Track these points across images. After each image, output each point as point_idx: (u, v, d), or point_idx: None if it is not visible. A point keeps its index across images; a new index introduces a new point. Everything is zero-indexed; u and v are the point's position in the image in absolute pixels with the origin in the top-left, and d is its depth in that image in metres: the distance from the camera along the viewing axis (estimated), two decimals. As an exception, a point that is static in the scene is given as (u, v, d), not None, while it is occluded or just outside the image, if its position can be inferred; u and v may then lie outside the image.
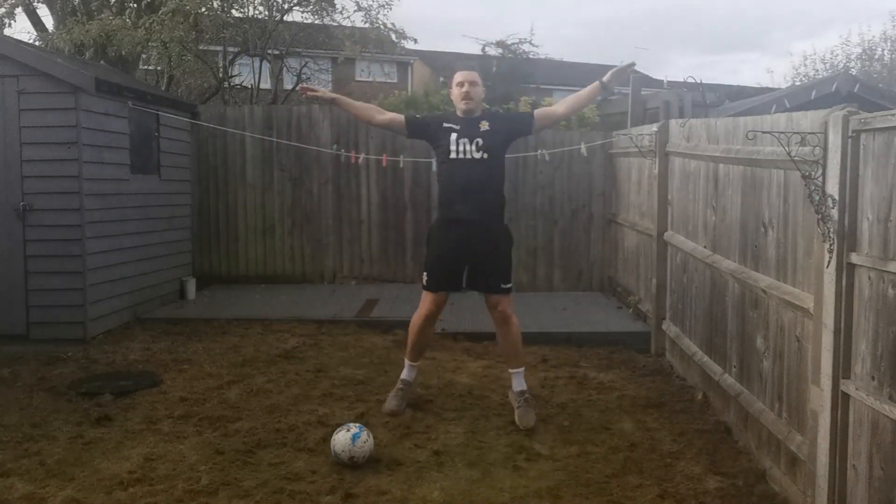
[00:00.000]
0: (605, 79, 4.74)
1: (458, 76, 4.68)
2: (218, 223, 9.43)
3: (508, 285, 4.64)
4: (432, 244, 4.73)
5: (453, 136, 4.59)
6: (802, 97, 10.40)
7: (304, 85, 4.84)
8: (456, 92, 4.67)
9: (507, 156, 4.82)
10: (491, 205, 4.62)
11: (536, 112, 4.82)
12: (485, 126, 4.61)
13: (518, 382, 4.74)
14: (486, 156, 4.56)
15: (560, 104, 4.87)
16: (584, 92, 4.78)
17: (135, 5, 12.66)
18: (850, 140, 3.08)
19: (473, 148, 4.54)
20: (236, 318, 7.47)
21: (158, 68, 13.46)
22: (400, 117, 4.86)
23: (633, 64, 4.63)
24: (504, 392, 5.24)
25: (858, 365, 3.06)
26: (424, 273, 4.74)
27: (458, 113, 4.72)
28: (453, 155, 4.57)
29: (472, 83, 4.63)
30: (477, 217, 4.56)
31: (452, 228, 4.61)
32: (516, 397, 4.71)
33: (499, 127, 4.65)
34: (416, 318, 4.74)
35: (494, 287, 4.60)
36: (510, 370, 4.78)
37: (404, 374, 4.87)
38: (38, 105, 6.58)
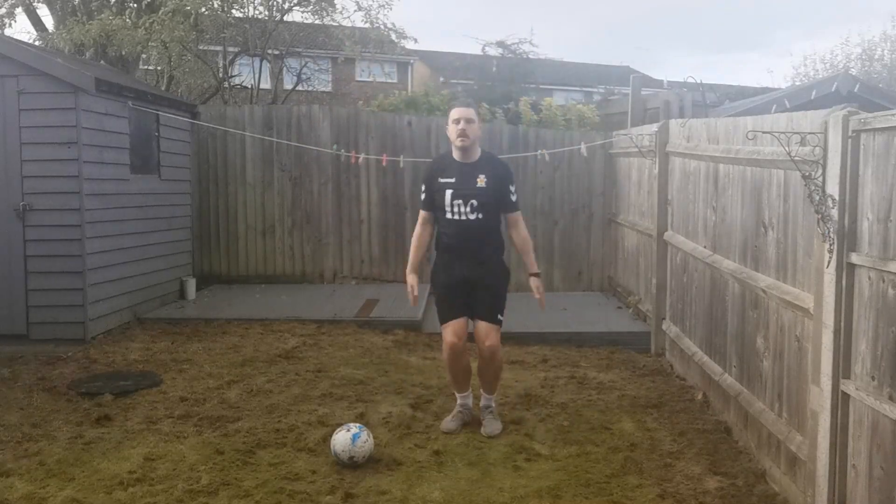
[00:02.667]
0: (533, 279, 4.71)
1: (455, 112, 4.63)
2: (218, 223, 9.43)
3: (501, 318, 4.69)
4: (436, 285, 4.78)
5: (448, 194, 4.58)
6: (802, 97, 10.40)
7: (413, 297, 4.79)
8: (452, 129, 4.61)
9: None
10: (488, 255, 4.67)
11: (512, 216, 4.72)
12: (481, 182, 4.57)
13: (486, 400, 4.77)
14: (480, 216, 4.57)
15: (519, 234, 4.75)
16: (528, 258, 4.75)
17: (135, 5, 12.66)
18: (850, 140, 3.09)
19: (468, 210, 4.55)
20: (236, 318, 7.47)
21: (158, 68, 13.46)
22: (425, 213, 4.81)
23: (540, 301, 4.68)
24: (504, 392, 5.25)
25: (858, 365, 3.06)
26: (437, 311, 4.79)
27: (454, 153, 4.67)
28: (449, 216, 4.60)
29: (469, 120, 4.57)
30: (474, 269, 4.63)
31: (452, 274, 4.68)
32: (483, 410, 4.75)
33: (493, 184, 4.59)
34: (444, 355, 4.74)
35: (490, 317, 4.63)
36: (484, 394, 4.78)
37: (460, 400, 4.82)
38: (38, 105, 6.58)
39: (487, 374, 4.70)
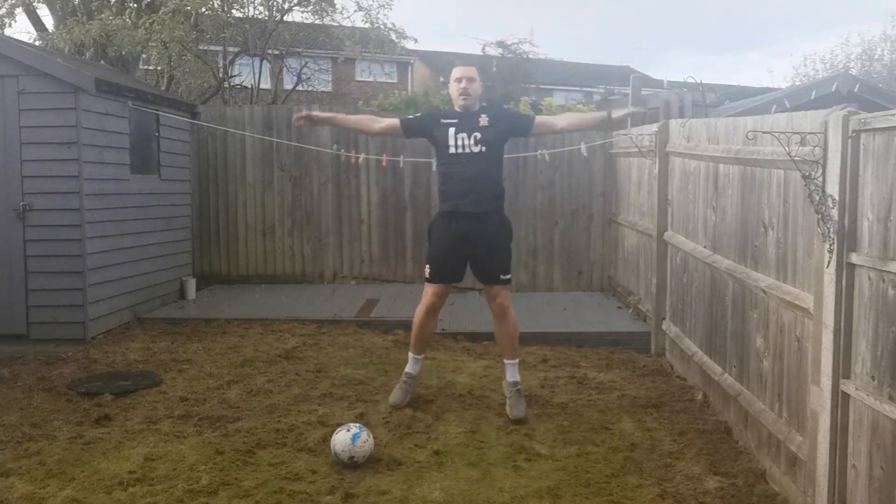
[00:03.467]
0: (613, 115, 4.86)
1: (457, 72, 4.76)
2: (218, 223, 9.43)
3: (508, 276, 4.73)
4: (434, 237, 4.81)
5: (451, 130, 4.67)
6: (802, 97, 10.42)
7: (299, 113, 4.89)
8: (454, 87, 4.74)
9: (506, 156, 4.87)
10: (490, 197, 4.70)
11: (538, 118, 4.89)
12: (484, 121, 4.69)
13: (511, 373, 4.83)
14: (484, 149, 4.63)
15: (562, 118, 5.00)
16: (588, 116, 4.97)
17: (135, 5, 12.67)
18: (850, 140, 3.09)
19: (472, 142, 4.61)
20: (236, 318, 7.47)
21: (158, 68, 13.46)
22: (395, 121, 4.92)
23: (640, 111, 4.74)
24: (504, 392, 5.25)
25: (858, 365, 3.06)
26: (427, 266, 4.82)
27: (457, 108, 4.79)
28: (452, 150, 4.65)
29: (471, 79, 4.70)
30: (476, 210, 4.64)
31: (453, 221, 4.68)
32: (509, 387, 4.82)
33: (497, 122, 4.73)
34: (419, 311, 4.82)
35: (494, 278, 4.68)
36: (505, 360, 4.88)
37: (409, 368, 4.96)
38: (38, 105, 6.58)
39: (504, 334, 4.76)
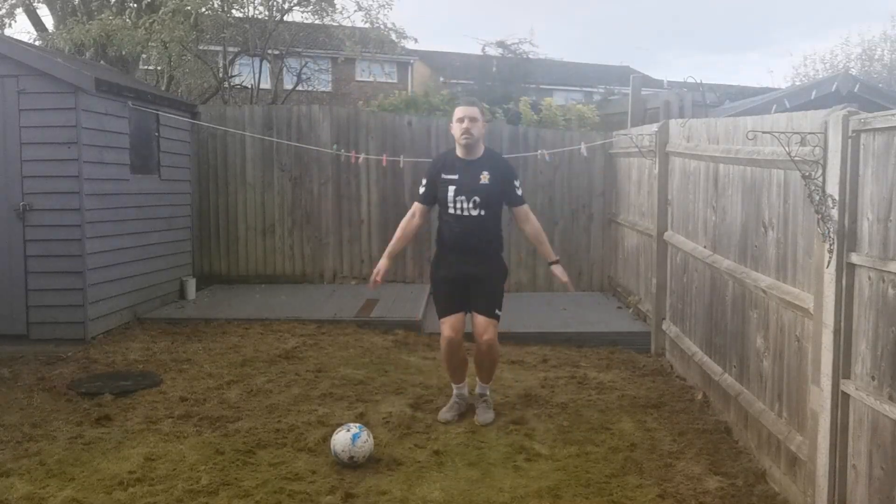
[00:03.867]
0: (552, 267, 4.81)
1: (459, 111, 4.69)
2: (218, 223, 9.43)
3: (499, 313, 4.77)
4: (435, 279, 4.87)
5: (451, 190, 4.64)
6: (802, 97, 10.41)
7: (374, 279, 4.81)
8: (456, 127, 4.68)
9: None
10: (487, 252, 4.75)
11: (523, 207, 4.80)
12: (484, 178, 4.64)
13: (481, 388, 4.90)
14: (483, 213, 4.64)
15: (532, 225, 4.82)
16: (545, 244, 4.86)
17: (135, 5, 12.67)
18: (850, 140, 3.09)
19: (471, 206, 4.62)
20: (236, 318, 7.47)
21: (158, 68, 13.45)
22: (418, 206, 4.86)
23: (570, 290, 4.94)
24: (504, 392, 5.26)
25: (858, 365, 3.06)
26: (435, 306, 4.88)
27: (458, 150, 4.73)
28: (451, 210, 4.67)
29: (472, 119, 4.63)
30: (474, 265, 4.70)
31: (451, 268, 4.74)
32: (477, 398, 4.88)
33: (496, 178, 4.67)
34: (442, 349, 4.85)
35: (488, 311, 4.71)
36: (480, 383, 4.91)
37: (456, 391, 4.95)
38: (38, 105, 6.58)
39: (484, 366, 4.83)
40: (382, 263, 4.82)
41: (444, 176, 4.69)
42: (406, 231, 4.88)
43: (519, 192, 4.75)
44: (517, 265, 8.91)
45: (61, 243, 6.65)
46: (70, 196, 6.64)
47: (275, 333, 6.94)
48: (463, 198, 4.61)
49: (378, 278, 4.79)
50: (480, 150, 4.73)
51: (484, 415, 4.76)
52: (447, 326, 4.71)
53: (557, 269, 4.80)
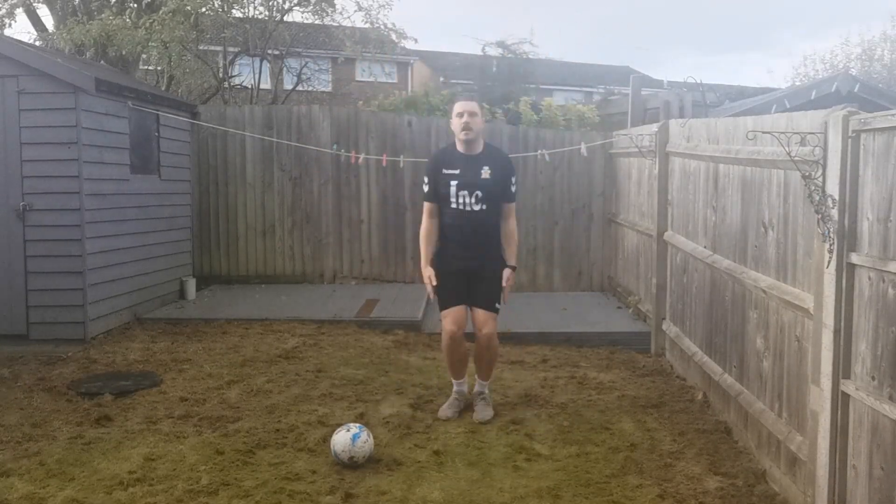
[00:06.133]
0: (507, 269, 4.80)
1: (458, 106, 4.73)
2: (218, 223, 9.43)
3: (499, 306, 4.82)
4: (437, 273, 4.85)
5: (453, 185, 4.68)
6: (802, 97, 10.41)
7: (431, 288, 4.80)
8: (456, 122, 4.71)
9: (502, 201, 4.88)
10: (488, 246, 4.79)
11: (511, 206, 4.83)
12: (486, 174, 4.69)
13: (480, 386, 4.93)
14: (485, 207, 4.68)
15: (509, 225, 4.85)
16: (511, 249, 4.86)
17: (135, 5, 12.67)
18: (850, 140, 3.08)
19: (473, 200, 4.67)
20: (236, 318, 7.47)
21: (158, 68, 13.45)
22: (428, 205, 4.85)
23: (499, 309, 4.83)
24: (504, 392, 5.26)
25: (858, 365, 3.06)
26: (437, 300, 4.87)
27: (458, 145, 4.76)
28: (454, 205, 4.70)
29: (472, 113, 4.68)
30: (475, 259, 4.74)
31: (453, 263, 4.77)
32: (476, 396, 4.90)
33: (497, 172, 4.72)
34: (443, 342, 4.87)
35: (488, 305, 4.75)
36: (479, 380, 4.93)
37: (456, 388, 4.97)
38: (38, 105, 6.58)
39: (483, 361, 4.86)
40: (428, 272, 4.79)
41: (445, 171, 4.72)
42: (429, 234, 4.85)
43: (513, 188, 4.82)
44: (517, 265, 8.90)
45: (61, 243, 6.65)
46: (70, 196, 6.64)
47: (275, 333, 6.93)
48: (465, 192, 4.65)
49: (434, 282, 4.75)
50: (481, 145, 4.79)
51: (483, 412, 4.77)
52: (449, 320, 4.74)
53: (507, 273, 4.78)
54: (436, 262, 4.84)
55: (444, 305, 4.80)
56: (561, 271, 9.31)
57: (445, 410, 4.82)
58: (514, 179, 4.81)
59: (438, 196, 4.77)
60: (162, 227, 8.11)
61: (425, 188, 4.84)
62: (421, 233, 4.90)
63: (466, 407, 4.90)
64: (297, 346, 6.51)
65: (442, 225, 4.82)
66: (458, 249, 4.74)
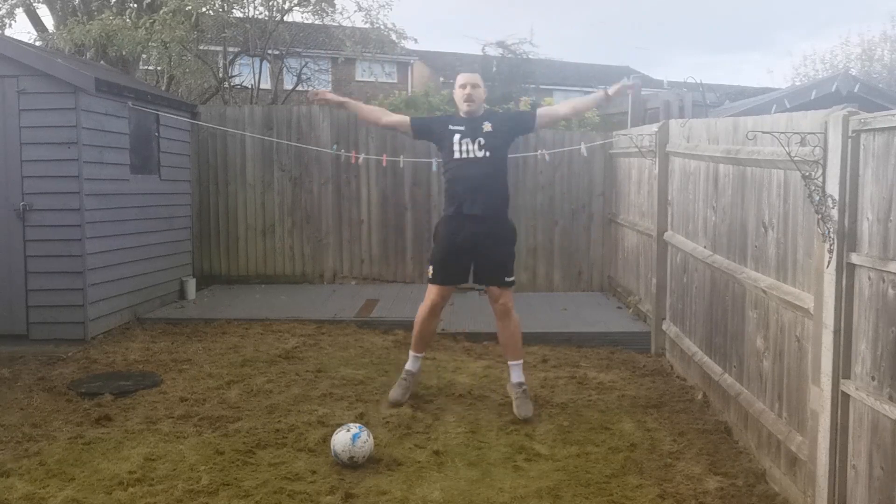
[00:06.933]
0: (610, 91, 4.98)
1: (461, 78, 4.91)
2: (218, 223, 9.43)
3: (511, 279, 4.86)
4: (439, 239, 4.90)
5: (456, 136, 4.80)
6: (802, 97, 10.42)
7: (316, 89, 5.05)
8: (459, 93, 4.87)
9: (507, 156, 4.95)
10: (495, 201, 4.81)
11: (540, 111, 5.04)
12: (487, 127, 4.82)
13: (516, 374, 4.90)
14: (488, 154, 4.76)
15: (563, 105, 5.21)
16: (588, 98, 5.15)
17: (135, 5, 12.68)
18: (850, 140, 3.08)
19: (476, 147, 4.75)
20: (236, 318, 7.47)
21: (158, 68, 13.46)
22: (406, 119, 5.10)
23: (633, 84, 4.92)
24: (504, 392, 5.25)
25: (858, 365, 3.06)
26: (430, 266, 4.92)
27: (461, 114, 4.91)
28: (457, 155, 4.78)
29: (475, 85, 4.85)
30: (482, 213, 4.75)
31: (459, 225, 4.78)
32: (514, 388, 4.87)
33: (500, 126, 4.85)
34: (422, 310, 4.91)
35: (499, 280, 4.79)
36: (509, 362, 4.95)
37: (408, 366, 5.04)
38: (38, 105, 6.58)
39: (507, 335, 4.87)
40: (334, 97, 5.11)
41: (450, 127, 4.85)
42: (375, 114, 5.15)
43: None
44: (517, 265, 8.88)
45: (61, 243, 6.65)
46: (70, 196, 6.64)
47: (275, 333, 6.94)
48: (468, 140, 4.76)
49: (319, 93, 5.06)
50: (482, 111, 4.94)
51: (523, 407, 4.69)
52: (437, 293, 4.78)
53: (612, 90, 4.96)
54: (442, 228, 4.86)
55: (437, 278, 4.81)
56: (561, 271, 9.31)
57: (394, 393, 4.85)
58: (521, 112, 5.02)
59: (426, 133, 5.01)
60: (162, 227, 8.11)
61: (420, 117, 5.16)
62: (373, 108, 5.30)
63: (413, 401, 4.92)
64: (297, 346, 6.51)
65: (446, 183, 4.90)
66: (462, 204, 4.74)
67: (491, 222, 4.76)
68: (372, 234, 9.39)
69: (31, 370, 5.80)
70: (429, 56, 27.38)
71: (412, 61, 27.22)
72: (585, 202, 9.27)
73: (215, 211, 9.40)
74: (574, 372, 5.87)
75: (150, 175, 7.90)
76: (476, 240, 4.73)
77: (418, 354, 5.03)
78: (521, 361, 4.93)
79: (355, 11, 12.90)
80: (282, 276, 9.39)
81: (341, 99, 5.14)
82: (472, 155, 4.73)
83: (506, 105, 11.66)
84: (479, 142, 4.74)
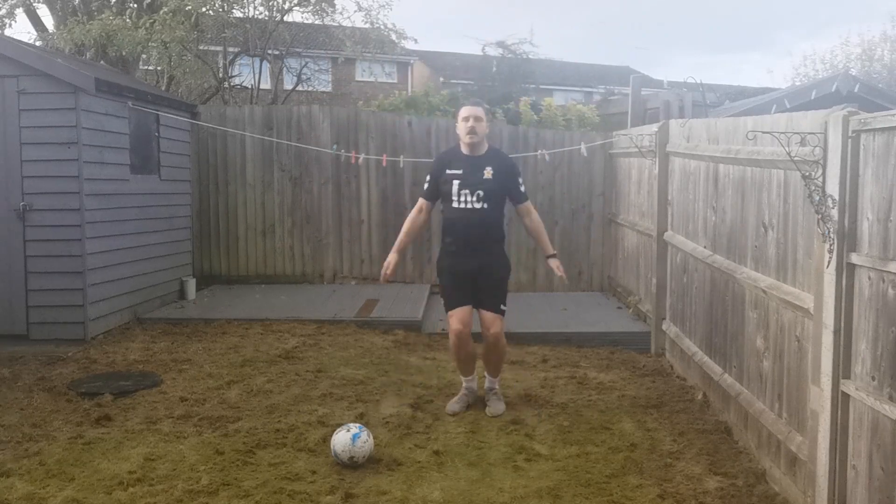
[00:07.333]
0: (549, 261, 4.97)
1: (464, 111, 4.85)
2: (218, 223, 9.43)
3: (504, 307, 4.91)
4: (443, 271, 4.96)
5: (456, 184, 4.79)
6: (802, 97, 10.42)
7: (385, 273, 4.93)
8: (462, 126, 4.83)
9: (504, 201, 4.96)
10: (490, 244, 4.87)
11: (525, 204, 4.96)
12: (488, 173, 4.79)
13: (490, 382, 5.02)
14: (486, 206, 4.78)
15: (534, 220, 4.99)
16: (544, 238, 5.01)
17: (135, 5, 12.67)
18: (850, 140, 3.08)
19: (474, 199, 4.77)
20: (236, 318, 7.47)
21: (158, 68, 13.45)
22: (425, 203, 5.00)
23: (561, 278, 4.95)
24: (504, 392, 5.25)
25: (858, 365, 3.06)
26: (442, 300, 4.98)
27: (463, 147, 4.88)
28: (455, 204, 4.80)
29: (478, 118, 4.80)
30: (479, 259, 4.82)
31: (456, 260, 4.86)
32: (487, 391, 5.01)
33: (500, 177, 4.82)
34: (450, 339, 4.95)
35: (494, 307, 4.84)
36: (488, 377, 5.03)
37: (465, 384, 5.06)
38: (38, 105, 6.58)
39: (492, 359, 4.95)
40: (392, 258, 4.98)
41: (448, 172, 4.84)
42: (413, 226, 5.06)
43: (522, 188, 4.95)
44: (517, 265, 8.91)
45: (61, 243, 6.65)
46: (70, 196, 6.64)
47: (275, 333, 6.93)
48: (467, 191, 4.76)
49: (389, 272, 4.94)
50: (485, 147, 4.90)
51: (495, 406, 4.88)
52: (455, 319, 4.82)
53: (554, 263, 4.96)
54: (443, 262, 4.94)
55: (450, 305, 4.88)
56: (561, 271, 9.30)
57: (453, 405, 4.92)
58: (520, 180, 4.93)
59: (439, 194, 4.90)
60: (162, 227, 8.11)
61: (426, 185, 5.00)
62: (406, 222, 5.07)
63: (476, 403, 4.98)
64: (297, 346, 6.51)
65: (445, 224, 4.91)
66: (461, 248, 4.82)
67: (486, 262, 4.83)
68: (372, 234, 9.39)
69: (31, 370, 5.80)
70: (429, 56, 27.36)
71: (412, 61, 27.21)
72: (585, 202, 9.27)
73: (215, 211, 9.40)
74: (574, 372, 5.87)
75: (150, 175, 7.89)
76: (475, 273, 4.81)
77: (468, 378, 5.03)
78: (498, 378, 5.04)
79: (355, 11, 12.95)
80: (282, 276, 9.39)
81: (395, 259, 4.94)
82: (469, 206, 4.76)
83: (506, 105, 11.65)
84: (479, 194, 4.73)
